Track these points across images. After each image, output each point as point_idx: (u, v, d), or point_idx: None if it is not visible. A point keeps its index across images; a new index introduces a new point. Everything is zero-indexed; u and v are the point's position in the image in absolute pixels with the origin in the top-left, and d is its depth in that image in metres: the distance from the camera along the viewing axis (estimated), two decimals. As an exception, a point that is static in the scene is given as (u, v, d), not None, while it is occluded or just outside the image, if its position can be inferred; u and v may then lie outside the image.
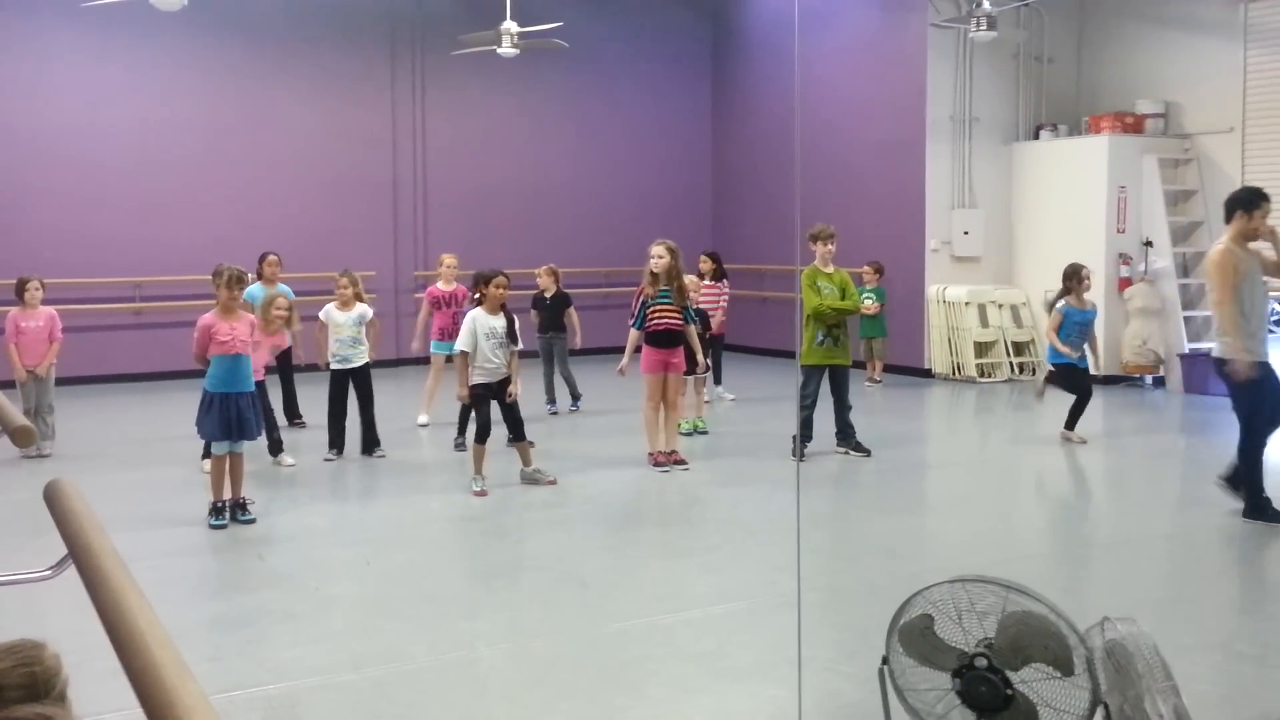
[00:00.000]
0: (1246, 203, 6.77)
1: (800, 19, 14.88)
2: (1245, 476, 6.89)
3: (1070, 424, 9.40)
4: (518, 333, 7.84)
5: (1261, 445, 6.90)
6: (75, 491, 2.16)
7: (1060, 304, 9.39)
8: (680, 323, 8.50)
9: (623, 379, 8.94)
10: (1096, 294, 12.40)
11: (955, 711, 3.41)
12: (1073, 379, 9.41)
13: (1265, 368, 6.79)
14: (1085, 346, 9.43)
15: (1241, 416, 6.90)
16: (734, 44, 16.41)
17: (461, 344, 7.67)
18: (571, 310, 11.13)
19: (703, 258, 11.72)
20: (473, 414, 8.88)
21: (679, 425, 9.19)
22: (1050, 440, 9.38)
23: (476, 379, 7.71)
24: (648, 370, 8.44)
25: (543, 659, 4.74)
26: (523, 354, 8.07)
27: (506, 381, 7.78)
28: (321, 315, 9.01)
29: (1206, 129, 12.73)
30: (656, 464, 8.41)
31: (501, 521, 7.14)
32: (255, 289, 9.65)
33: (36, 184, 12.84)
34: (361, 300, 9.04)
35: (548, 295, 11.11)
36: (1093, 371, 9.77)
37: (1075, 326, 9.33)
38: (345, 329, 8.86)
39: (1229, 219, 6.83)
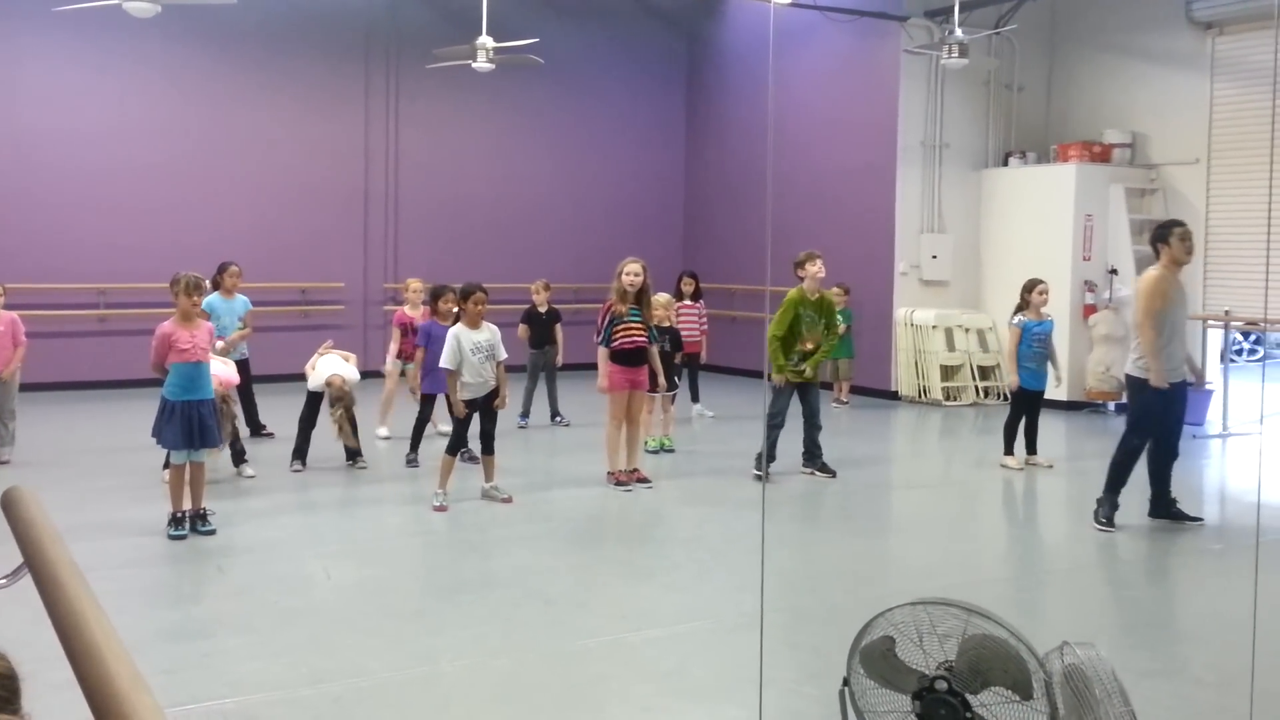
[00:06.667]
0: (1159, 237, 7.53)
1: (775, 41, 14.97)
2: (1110, 474, 7.49)
3: (1030, 447, 9.45)
4: (501, 345, 7.84)
5: (1135, 453, 7.47)
6: (33, 500, 2.14)
7: (1017, 319, 9.43)
8: (646, 341, 8.51)
9: (595, 396, 8.92)
10: (1061, 320, 12.54)
11: (915, 734, 3.41)
12: (1030, 401, 9.38)
13: (1174, 390, 7.34)
14: (1048, 363, 9.44)
15: (1129, 422, 7.56)
16: (709, 63, 16.50)
17: (446, 362, 7.62)
18: (559, 326, 11.15)
19: (685, 279, 11.76)
20: (428, 429, 8.95)
21: (645, 443, 9.21)
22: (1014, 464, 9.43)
23: (465, 395, 7.69)
24: (614, 388, 8.42)
25: (504, 676, 4.72)
26: (507, 368, 8.04)
27: (493, 394, 7.77)
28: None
29: (1172, 160, 12.89)
30: (618, 483, 8.39)
31: (465, 537, 7.11)
32: (215, 299, 9.54)
33: (2, 187, 12.71)
34: None
35: (542, 310, 11.12)
36: (1053, 388, 9.70)
37: (1034, 339, 9.33)
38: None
39: (1156, 254, 7.54)
